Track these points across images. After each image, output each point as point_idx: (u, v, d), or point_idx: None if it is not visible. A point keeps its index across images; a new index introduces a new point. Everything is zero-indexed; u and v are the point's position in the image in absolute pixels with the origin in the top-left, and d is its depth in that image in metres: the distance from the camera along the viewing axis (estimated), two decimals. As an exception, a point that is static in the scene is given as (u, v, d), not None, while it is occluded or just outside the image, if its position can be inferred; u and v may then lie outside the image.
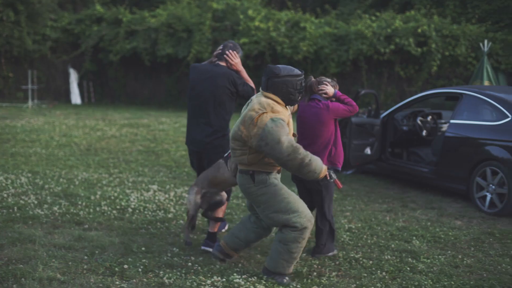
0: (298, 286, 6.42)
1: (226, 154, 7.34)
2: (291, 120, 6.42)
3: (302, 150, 6.05)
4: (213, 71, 7.67)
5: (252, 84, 7.82)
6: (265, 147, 6.04)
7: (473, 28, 22.67)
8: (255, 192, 6.41)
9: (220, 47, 7.80)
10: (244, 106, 6.55)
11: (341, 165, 7.45)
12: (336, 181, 6.05)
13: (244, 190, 6.52)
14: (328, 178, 6.16)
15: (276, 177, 6.46)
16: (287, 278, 6.47)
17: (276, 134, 6.00)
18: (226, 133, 7.69)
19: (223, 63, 7.75)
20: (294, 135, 6.51)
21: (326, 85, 7.35)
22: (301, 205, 6.41)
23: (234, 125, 6.32)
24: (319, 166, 6.11)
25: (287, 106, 6.51)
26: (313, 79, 7.38)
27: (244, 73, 7.79)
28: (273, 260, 6.46)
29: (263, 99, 6.28)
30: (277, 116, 6.14)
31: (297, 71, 6.37)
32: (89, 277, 6.38)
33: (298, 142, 7.30)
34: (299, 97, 6.46)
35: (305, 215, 6.36)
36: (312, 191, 7.48)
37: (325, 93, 7.31)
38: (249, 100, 6.51)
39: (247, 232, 6.88)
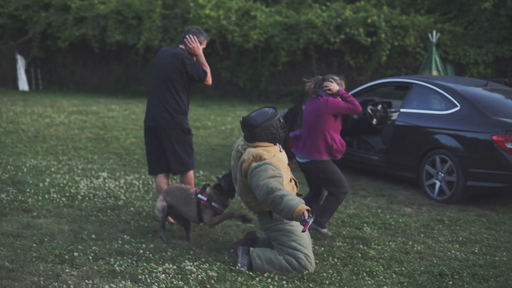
0: (248, 271, 6.41)
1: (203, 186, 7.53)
2: (283, 155, 6.77)
3: (277, 191, 6.13)
4: (168, 51, 8.12)
5: (207, 69, 8.13)
6: (254, 191, 6.37)
7: (422, 19, 22.86)
8: (270, 228, 6.69)
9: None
10: (232, 158, 6.84)
11: (340, 156, 7.81)
12: (306, 226, 6.10)
13: (262, 226, 6.85)
14: (305, 218, 6.19)
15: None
16: None
17: (257, 179, 6.27)
18: (182, 112, 8.11)
19: (182, 46, 8.11)
20: (289, 165, 6.94)
21: (332, 82, 7.74)
22: (310, 250, 6.59)
23: (237, 180, 6.64)
24: (291, 206, 6.04)
25: None
26: (320, 77, 7.83)
27: (202, 58, 8.10)
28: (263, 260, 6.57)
29: (253, 150, 6.52)
30: (263, 162, 6.40)
31: (271, 112, 6.63)
32: (38, 265, 6.31)
33: (301, 133, 7.90)
34: (283, 133, 6.69)
35: (311, 261, 6.53)
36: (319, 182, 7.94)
37: (329, 90, 7.69)
38: (238, 149, 6.73)
39: None
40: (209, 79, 8.24)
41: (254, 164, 6.38)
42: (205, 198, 7.30)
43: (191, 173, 8.31)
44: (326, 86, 7.67)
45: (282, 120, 6.70)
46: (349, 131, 12.51)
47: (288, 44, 23.56)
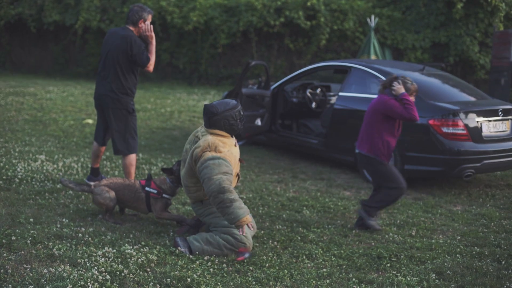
0: (188, 255, 6.42)
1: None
2: (236, 149, 6.86)
3: (228, 194, 6.28)
4: (118, 33, 8.40)
5: (152, 57, 8.41)
6: (202, 181, 6.43)
7: (361, 3, 23.06)
8: (203, 213, 6.85)
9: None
10: (189, 139, 6.89)
11: (385, 158, 7.72)
12: (241, 258, 6.24)
13: (196, 212, 6.99)
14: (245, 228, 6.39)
15: None
16: None
17: (210, 171, 6.36)
18: (127, 93, 8.45)
19: (131, 27, 8.42)
20: (240, 160, 7.09)
21: (399, 83, 7.63)
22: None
23: (186, 163, 6.68)
24: (239, 212, 6.24)
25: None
26: (394, 76, 7.78)
27: (153, 46, 8.45)
28: (207, 243, 6.61)
29: (210, 137, 6.62)
30: (218, 155, 6.48)
31: (233, 103, 6.75)
32: (-25, 249, 6.21)
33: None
34: (241, 125, 6.79)
35: (247, 235, 6.57)
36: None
37: (394, 90, 7.59)
38: (197, 135, 6.82)
39: None
40: (151, 67, 8.44)
41: (208, 155, 6.46)
42: (155, 191, 7.35)
43: (133, 156, 8.59)
44: (393, 86, 7.64)
45: (242, 113, 6.80)
46: (288, 114, 12.60)
47: (228, 27, 23.54)
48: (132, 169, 8.55)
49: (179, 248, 6.52)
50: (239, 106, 6.81)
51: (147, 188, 7.37)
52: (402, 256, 6.65)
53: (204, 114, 6.76)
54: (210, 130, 6.71)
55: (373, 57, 18.63)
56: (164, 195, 7.34)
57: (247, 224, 6.32)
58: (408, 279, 6.01)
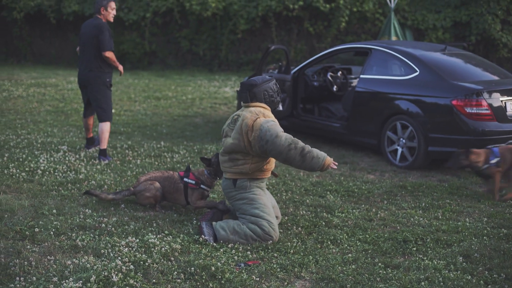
0: (212, 242, 6.39)
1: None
2: None
3: (302, 144, 6.44)
4: (90, 23, 10.19)
5: (111, 45, 10.01)
6: (266, 145, 6.39)
7: (381, -16, 22.91)
8: (234, 196, 6.76)
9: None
10: (228, 122, 6.85)
11: None
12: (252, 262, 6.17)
13: (226, 194, 6.90)
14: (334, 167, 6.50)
15: (259, 185, 6.77)
16: None
17: (274, 130, 6.40)
18: (102, 70, 10.07)
19: (99, 16, 10.13)
20: (274, 174, 7.24)
21: None
22: (273, 217, 6.63)
23: (229, 138, 6.63)
24: (321, 153, 6.43)
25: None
26: None
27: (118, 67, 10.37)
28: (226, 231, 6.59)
29: (252, 109, 6.68)
30: (270, 119, 6.60)
31: (268, 78, 6.87)
32: (-2, 241, 6.22)
33: None
34: (279, 98, 6.92)
35: (274, 228, 6.55)
36: None
37: None
38: (235, 116, 6.79)
39: None
40: (108, 54, 9.95)
41: (262, 120, 6.51)
42: (193, 182, 7.39)
43: (108, 123, 10.17)
44: None
45: (278, 86, 6.91)
46: (310, 98, 12.51)
47: (247, 12, 23.43)
48: (107, 134, 10.08)
49: (203, 236, 6.49)
50: (275, 80, 6.90)
51: (185, 179, 7.38)
52: (428, 240, 6.59)
53: (243, 89, 6.79)
54: (251, 104, 6.73)
55: (393, 38, 18.46)
56: (202, 186, 7.33)
57: (331, 164, 6.46)
58: (435, 262, 5.95)
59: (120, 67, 10.34)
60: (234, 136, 6.60)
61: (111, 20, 10.28)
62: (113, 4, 10.17)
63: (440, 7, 22.27)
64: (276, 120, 6.67)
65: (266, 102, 6.76)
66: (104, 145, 10.02)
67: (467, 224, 7.16)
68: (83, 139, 11.44)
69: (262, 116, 6.58)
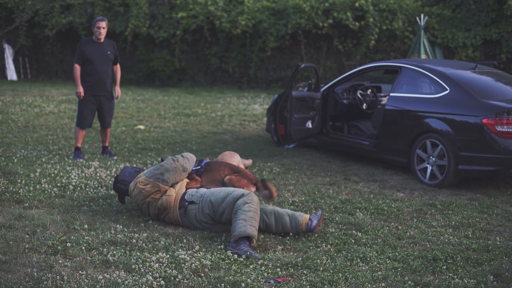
0: (242, 259, 6.41)
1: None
2: None
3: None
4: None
5: (77, 59, 11.18)
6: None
7: (410, 2, 22.86)
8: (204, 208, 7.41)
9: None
10: None
11: None
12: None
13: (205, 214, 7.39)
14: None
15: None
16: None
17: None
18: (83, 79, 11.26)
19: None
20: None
21: None
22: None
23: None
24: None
25: None
26: None
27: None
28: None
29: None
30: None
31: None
32: (31, 256, 6.27)
33: None
34: None
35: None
36: None
37: None
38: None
39: None
40: (74, 69, 11.21)
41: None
42: None
43: (77, 128, 11.41)
44: None
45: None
46: (339, 116, 12.53)
47: (277, 29, 23.52)
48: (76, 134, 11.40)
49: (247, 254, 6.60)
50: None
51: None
52: (458, 258, 6.56)
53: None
54: None
55: (423, 56, 18.43)
56: None
57: None
58: (465, 281, 5.92)
59: (77, 88, 11.15)
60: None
61: (99, 37, 11.23)
62: (98, 23, 11.15)
63: (470, 25, 22.21)
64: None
65: None
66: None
67: (498, 243, 7.11)
68: (113, 155, 11.55)
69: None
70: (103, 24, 11.16)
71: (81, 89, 11.10)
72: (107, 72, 11.33)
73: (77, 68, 11.15)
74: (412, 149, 10.24)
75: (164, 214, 7.45)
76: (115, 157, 11.39)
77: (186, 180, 7.73)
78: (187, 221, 7.34)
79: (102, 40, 11.28)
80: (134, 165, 10.66)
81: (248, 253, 6.54)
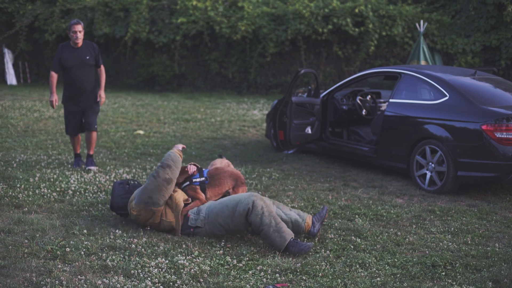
0: (241, 264, 6.41)
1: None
2: None
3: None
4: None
5: (54, 67, 10.82)
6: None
7: (409, 8, 22.89)
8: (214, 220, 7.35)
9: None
10: None
11: None
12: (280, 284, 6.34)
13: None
14: None
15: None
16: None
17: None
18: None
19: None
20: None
21: None
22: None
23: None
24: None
25: None
26: None
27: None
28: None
29: None
30: None
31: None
32: (30, 261, 6.27)
33: None
34: None
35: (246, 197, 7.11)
36: None
37: None
38: None
39: None
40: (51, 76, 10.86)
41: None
42: None
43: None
44: None
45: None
46: (339, 122, 12.54)
47: (276, 35, 23.54)
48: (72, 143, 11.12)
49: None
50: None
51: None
52: (457, 264, 6.57)
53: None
54: None
55: (423, 62, 18.46)
56: None
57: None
58: (464, 287, 5.92)
59: (51, 97, 10.85)
60: None
61: (75, 42, 10.70)
62: (73, 27, 10.61)
63: (469, 32, 22.23)
64: None
65: None
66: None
67: (497, 249, 7.12)
68: (112, 160, 11.56)
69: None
70: (79, 27, 10.62)
71: (54, 98, 10.73)
72: (88, 79, 10.78)
73: (53, 76, 10.77)
74: (411, 155, 10.25)
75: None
76: (95, 168, 10.77)
77: (182, 195, 7.58)
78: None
79: (79, 44, 10.74)
80: (134, 170, 10.66)
81: (305, 247, 6.81)
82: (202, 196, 7.61)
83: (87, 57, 10.75)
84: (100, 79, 11.06)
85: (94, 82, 10.92)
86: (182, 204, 7.33)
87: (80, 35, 10.67)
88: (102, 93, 11.03)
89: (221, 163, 8.62)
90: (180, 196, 7.43)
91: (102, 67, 11.12)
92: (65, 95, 10.87)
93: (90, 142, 10.96)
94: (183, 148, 7.89)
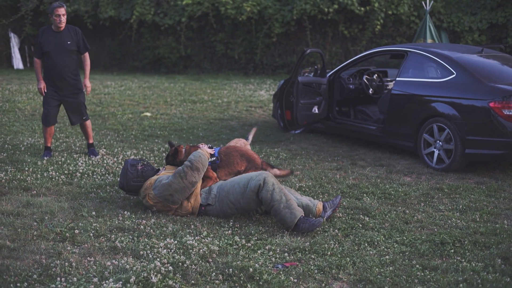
0: (249, 244, 6.42)
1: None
2: None
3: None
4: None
5: (36, 53, 10.30)
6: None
7: (416, -14, 22.82)
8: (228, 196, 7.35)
9: None
10: None
11: None
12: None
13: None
14: None
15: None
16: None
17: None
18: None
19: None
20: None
21: None
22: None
23: None
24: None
25: None
26: None
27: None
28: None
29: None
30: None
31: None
32: (39, 243, 6.28)
33: None
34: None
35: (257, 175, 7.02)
36: None
37: None
38: None
39: None
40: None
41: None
42: None
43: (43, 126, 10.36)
44: None
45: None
46: (345, 101, 12.51)
47: (282, 15, 23.47)
48: (44, 133, 10.38)
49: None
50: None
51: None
52: (466, 242, 6.56)
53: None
54: None
55: (429, 40, 18.38)
56: None
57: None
58: (473, 264, 5.92)
59: (39, 84, 10.21)
60: None
61: (58, 26, 10.17)
62: (56, 11, 10.06)
63: (476, 9, 22.12)
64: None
65: None
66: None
67: (505, 226, 7.11)
68: (120, 142, 11.57)
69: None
70: (62, 10, 10.10)
71: (42, 85, 10.12)
72: (68, 65, 10.13)
73: (37, 62, 10.25)
74: (418, 133, 10.23)
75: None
76: (98, 156, 10.40)
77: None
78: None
79: (62, 28, 10.21)
80: (141, 152, 10.66)
81: (316, 221, 6.83)
82: (214, 175, 7.60)
83: (68, 42, 10.19)
84: (84, 67, 10.49)
85: (75, 69, 10.27)
86: (200, 201, 7.33)
87: (63, 19, 10.15)
88: (87, 81, 10.45)
89: (237, 142, 8.57)
90: (198, 192, 7.39)
91: (87, 54, 10.49)
92: (44, 81, 10.22)
93: (87, 132, 10.61)
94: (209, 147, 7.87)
